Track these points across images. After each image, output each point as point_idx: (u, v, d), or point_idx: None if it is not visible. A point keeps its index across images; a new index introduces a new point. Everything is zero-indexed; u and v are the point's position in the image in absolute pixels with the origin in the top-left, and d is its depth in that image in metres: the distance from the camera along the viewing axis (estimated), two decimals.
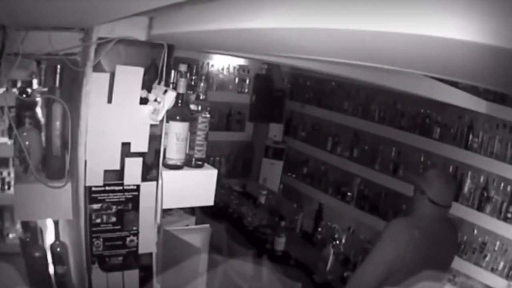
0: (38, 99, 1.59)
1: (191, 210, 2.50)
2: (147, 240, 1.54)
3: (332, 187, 3.44)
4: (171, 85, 1.49)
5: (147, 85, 1.41)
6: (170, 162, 1.53)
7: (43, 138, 1.54)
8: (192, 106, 1.57)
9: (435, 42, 0.64)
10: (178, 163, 1.54)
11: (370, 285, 1.75)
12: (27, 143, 1.47)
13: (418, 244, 1.74)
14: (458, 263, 2.41)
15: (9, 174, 1.97)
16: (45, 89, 1.59)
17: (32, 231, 1.64)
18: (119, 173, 1.44)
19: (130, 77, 1.38)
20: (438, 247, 1.82)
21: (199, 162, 1.60)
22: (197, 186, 1.61)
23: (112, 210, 1.46)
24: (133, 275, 1.53)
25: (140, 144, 1.45)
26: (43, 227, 1.66)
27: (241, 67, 3.75)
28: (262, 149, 3.90)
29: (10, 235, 2.01)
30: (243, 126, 3.93)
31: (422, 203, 1.83)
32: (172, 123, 1.50)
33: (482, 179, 2.39)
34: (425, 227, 1.78)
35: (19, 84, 1.59)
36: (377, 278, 1.74)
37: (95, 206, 1.43)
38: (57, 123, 1.46)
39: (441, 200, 1.82)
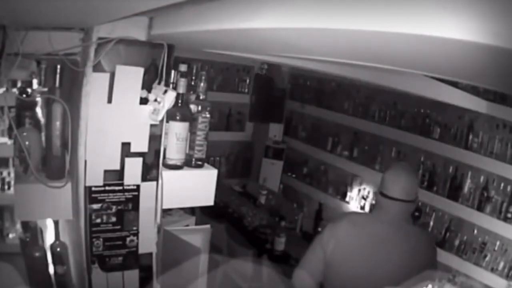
0: (38, 99, 1.59)
1: (191, 210, 2.49)
2: (147, 240, 1.54)
3: (332, 187, 3.45)
4: (171, 85, 1.48)
5: (147, 85, 1.41)
6: (170, 162, 1.53)
7: (43, 138, 1.54)
8: (192, 106, 1.57)
9: (435, 42, 0.64)
10: (178, 163, 1.54)
11: (313, 275, 1.74)
12: (27, 143, 1.47)
13: (356, 243, 1.70)
14: (458, 263, 2.42)
15: (9, 174, 1.96)
16: (45, 89, 1.59)
17: (32, 231, 1.64)
18: (119, 173, 1.44)
19: (130, 77, 1.38)
20: (382, 251, 1.67)
21: (199, 162, 1.60)
22: (197, 186, 1.61)
23: (112, 210, 1.46)
24: (133, 275, 1.53)
25: (140, 144, 1.45)
26: (43, 227, 1.66)
27: (241, 67, 3.75)
28: (262, 149, 3.90)
29: (10, 235, 2.01)
30: (243, 126, 3.93)
31: (377, 199, 1.78)
32: (172, 123, 1.50)
33: (482, 179, 2.39)
34: (371, 229, 1.71)
35: (19, 84, 1.59)
36: (317, 265, 1.74)
37: (95, 206, 1.43)
38: (57, 123, 1.46)
39: (389, 191, 1.69)
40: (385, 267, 1.66)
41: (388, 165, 1.86)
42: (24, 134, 1.50)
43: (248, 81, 3.83)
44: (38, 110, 1.58)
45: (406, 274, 1.62)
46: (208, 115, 1.60)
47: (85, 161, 1.39)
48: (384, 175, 1.76)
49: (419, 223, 2.42)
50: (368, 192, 3.14)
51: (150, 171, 1.49)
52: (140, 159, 1.46)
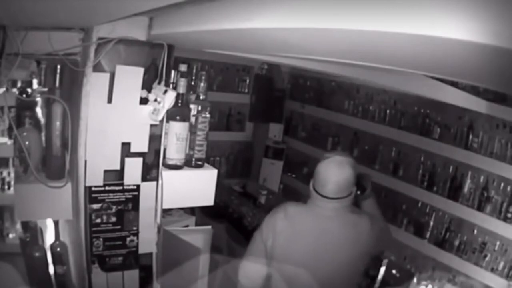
0: (38, 99, 1.59)
1: (191, 210, 2.50)
2: (147, 240, 1.54)
3: None
4: (171, 85, 1.49)
5: (147, 85, 1.41)
6: (170, 162, 1.53)
7: (43, 138, 1.54)
8: (192, 106, 1.57)
9: (435, 42, 0.64)
10: (178, 163, 1.54)
11: (256, 271, 1.73)
12: (27, 143, 1.47)
13: (290, 235, 1.69)
14: (458, 263, 2.42)
15: (9, 174, 1.96)
16: (45, 89, 1.59)
17: (32, 231, 1.64)
18: (119, 173, 1.44)
19: (130, 77, 1.38)
20: (319, 243, 1.67)
21: (199, 162, 1.60)
22: (197, 186, 1.61)
23: (112, 210, 1.46)
24: (133, 275, 1.53)
25: (140, 144, 1.45)
26: (43, 227, 1.66)
27: (241, 67, 3.75)
28: (262, 149, 3.90)
29: (10, 235, 2.00)
30: (243, 126, 3.92)
31: (310, 190, 1.75)
32: (172, 123, 1.50)
33: (482, 179, 2.39)
34: (305, 220, 1.70)
35: (19, 84, 1.59)
36: (260, 255, 1.73)
37: (95, 206, 1.43)
38: (57, 123, 1.46)
39: (322, 190, 1.66)
40: (326, 257, 1.66)
41: (325, 157, 1.75)
42: (24, 134, 1.50)
43: (248, 81, 3.83)
44: (38, 110, 1.59)
45: (351, 260, 1.69)
46: (208, 115, 1.60)
47: (85, 161, 1.39)
48: (316, 170, 1.70)
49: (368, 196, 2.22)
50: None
51: (150, 171, 1.49)
52: (140, 159, 1.46)
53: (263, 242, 1.75)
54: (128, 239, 1.50)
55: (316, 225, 1.70)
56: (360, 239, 1.70)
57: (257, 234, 1.80)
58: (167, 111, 1.43)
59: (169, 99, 1.38)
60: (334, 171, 1.67)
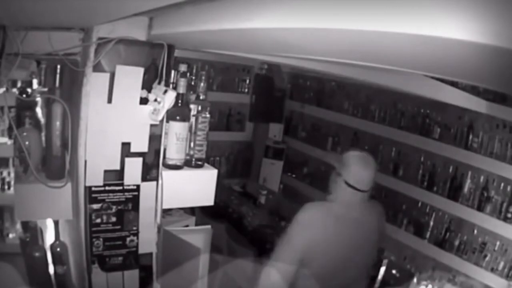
0: (38, 99, 1.59)
1: (191, 210, 2.50)
2: (147, 240, 1.54)
3: None
4: (171, 85, 1.49)
5: (147, 85, 1.41)
6: (170, 162, 1.53)
7: (43, 138, 1.54)
8: (192, 106, 1.57)
9: (436, 42, 0.64)
10: (178, 163, 1.54)
11: (286, 270, 1.69)
12: (27, 143, 1.47)
13: (332, 230, 1.71)
14: (458, 263, 2.42)
15: (9, 174, 1.97)
16: (45, 89, 1.59)
17: (32, 231, 1.64)
18: (119, 173, 1.44)
19: (130, 77, 1.38)
20: (358, 233, 1.77)
21: (199, 162, 1.60)
22: (197, 186, 1.61)
23: (112, 210, 1.46)
24: (133, 275, 1.53)
25: (140, 144, 1.45)
26: (43, 227, 1.66)
27: (241, 67, 3.75)
28: (262, 149, 3.90)
29: (10, 235, 2.01)
30: (243, 126, 3.92)
31: (338, 185, 1.79)
32: (172, 123, 1.49)
33: (482, 179, 2.39)
34: (341, 213, 1.74)
35: (19, 84, 1.59)
36: (291, 262, 1.69)
37: (95, 206, 1.43)
38: (57, 123, 1.46)
39: (357, 184, 1.76)
40: (362, 248, 1.78)
41: (352, 154, 1.85)
42: (24, 134, 1.50)
43: (248, 81, 3.82)
44: (38, 110, 1.59)
45: (376, 243, 1.90)
46: (208, 115, 1.60)
47: (85, 161, 1.39)
48: (353, 167, 1.78)
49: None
50: None
51: (150, 171, 1.49)
52: (140, 159, 1.46)
53: (299, 240, 1.71)
54: (128, 239, 1.50)
55: (347, 216, 1.76)
56: (380, 219, 1.91)
57: (293, 232, 1.73)
58: (167, 111, 1.43)
59: (169, 99, 1.38)
60: (370, 165, 1.80)
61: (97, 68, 1.35)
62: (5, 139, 1.83)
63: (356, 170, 1.77)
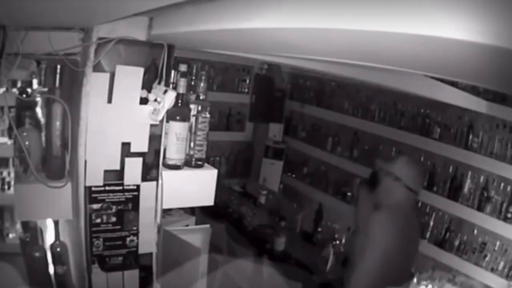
0: (38, 99, 1.59)
1: (191, 210, 2.50)
2: (147, 240, 1.54)
3: (332, 187, 3.44)
4: (171, 85, 1.48)
5: (147, 85, 1.41)
6: (170, 162, 1.53)
7: (43, 138, 1.54)
8: (192, 106, 1.57)
9: (435, 42, 0.64)
10: (178, 163, 1.54)
11: (375, 284, 1.76)
12: (27, 143, 1.47)
13: (401, 233, 1.82)
14: (458, 263, 2.42)
15: (9, 174, 1.97)
16: (45, 89, 1.59)
17: (32, 231, 1.64)
18: (119, 173, 1.44)
19: (130, 77, 1.38)
20: (410, 234, 1.93)
21: (199, 162, 1.60)
22: (197, 186, 1.61)
23: (112, 210, 1.46)
24: (133, 275, 1.53)
25: (140, 144, 1.45)
26: (43, 227, 1.66)
27: (241, 67, 3.75)
28: (262, 149, 3.90)
29: (10, 235, 2.01)
30: (243, 126, 3.92)
31: (398, 191, 1.88)
32: (172, 123, 1.49)
33: (482, 179, 2.39)
34: (404, 216, 1.87)
35: (19, 84, 1.59)
36: (377, 273, 1.77)
37: (95, 206, 1.43)
38: (57, 123, 1.46)
39: (415, 186, 1.90)
40: (411, 253, 1.96)
41: (407, 160, 2.02)
42: (24, 134, 1.50)
43: (248, 81, 3.83)
44: (38, 110, 1.58)
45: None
46: (208, 115, 1.60)
47: (85, 161, 1.39)
48: (415, 171, 1.95)
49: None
50: None
51: (150, 171, 1.49)
52: (140, 159, 1.46)
53: (385, 248, 1.79)
54: (128, 239, 1.50)
55: (406, 223, 1.92)
56: (419, 231, 2.17)
57: (378, 244, 1.80)
58: (167, 111, 1.43)
59: (169, 99, 1.38)
60: (421, 169, 2.06)
61: (97, 68, 1.35)
62: (5, 139, 1.83)
63: (413, 173, 1.94)
